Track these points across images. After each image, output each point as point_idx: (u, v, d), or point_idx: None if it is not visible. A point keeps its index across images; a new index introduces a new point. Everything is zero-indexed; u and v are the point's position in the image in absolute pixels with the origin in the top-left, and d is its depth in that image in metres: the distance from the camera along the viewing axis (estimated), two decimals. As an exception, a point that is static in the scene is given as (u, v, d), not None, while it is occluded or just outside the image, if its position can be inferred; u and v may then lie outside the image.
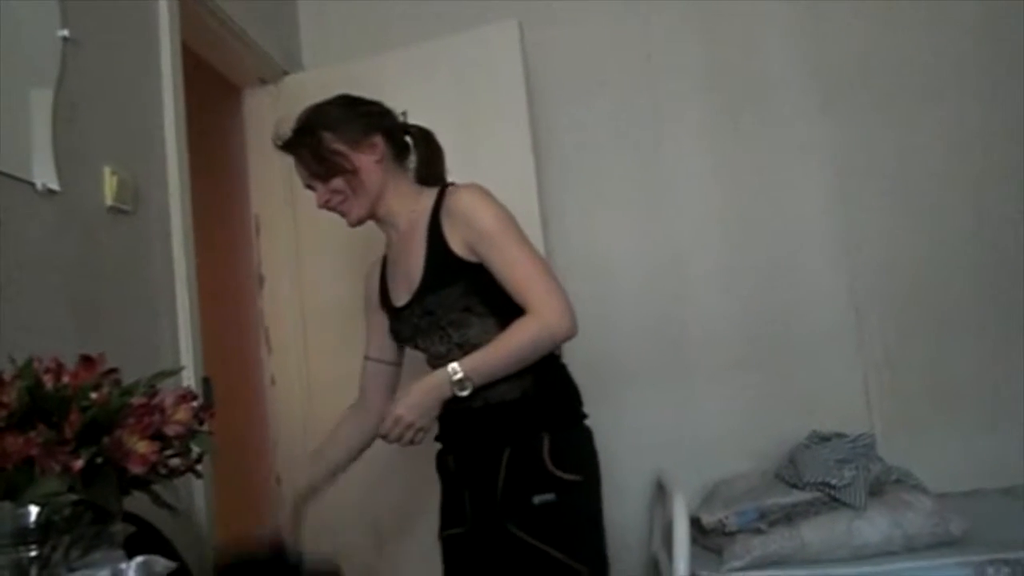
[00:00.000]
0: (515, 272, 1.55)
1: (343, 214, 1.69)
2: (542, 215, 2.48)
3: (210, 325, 2.17)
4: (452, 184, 1.71)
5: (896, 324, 2.64)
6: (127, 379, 1.08)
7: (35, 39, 1.63)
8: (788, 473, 2.27)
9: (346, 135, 1.65)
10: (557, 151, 2.74)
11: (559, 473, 1.54)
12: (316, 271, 2.73)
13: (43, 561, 0.98)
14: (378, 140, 1.67)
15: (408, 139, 1.75)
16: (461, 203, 1.60)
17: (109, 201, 1.79)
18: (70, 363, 1.03)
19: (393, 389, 1.80)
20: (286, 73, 2.81)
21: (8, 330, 1.43)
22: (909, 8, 2.69)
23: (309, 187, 1.69)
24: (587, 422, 1.66)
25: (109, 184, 1.79)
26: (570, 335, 1.54)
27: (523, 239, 1.59)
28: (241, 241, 2.86)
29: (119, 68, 1.92)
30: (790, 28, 2.76)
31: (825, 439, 2.31)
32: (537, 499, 1.52)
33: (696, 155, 2.77)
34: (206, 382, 2.09)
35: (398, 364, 1.84)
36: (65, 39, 1.68)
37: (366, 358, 1.84)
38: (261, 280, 2.82)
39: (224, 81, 2.77)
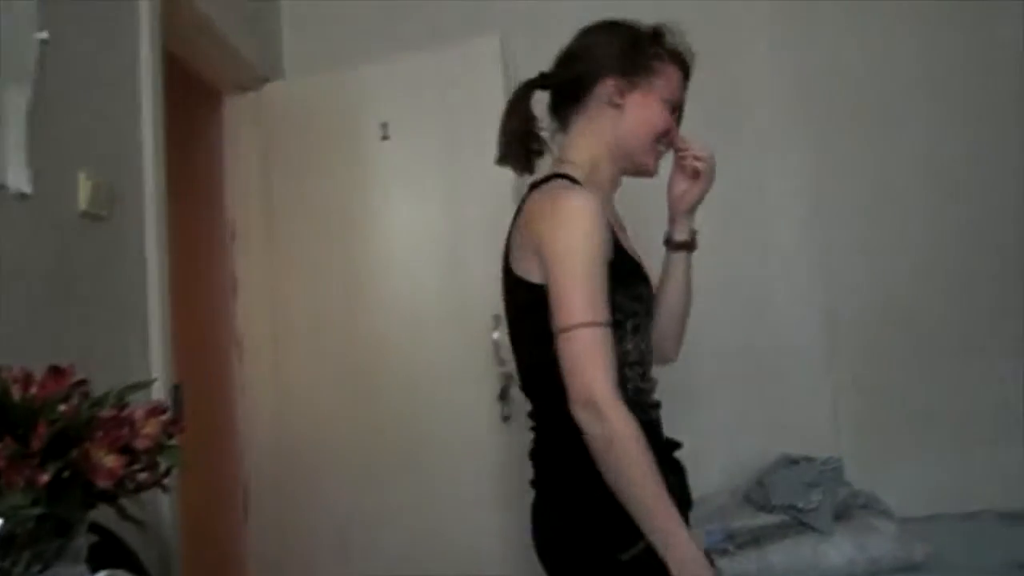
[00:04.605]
0: None
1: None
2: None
3: (182, 332, 2.15)
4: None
5: (865, 347, 2.66)
6: (97, 387, 1.07)
7: (11, 40, 1.61)
8: (757, 495, 2.29)
9: None
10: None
11: None
12: (290, 280, 2.71)
13: (3, 575, 0.96)
14: None
15: None
16: None
17: (83, 206, 1.77)
18: (40, 373, 1.02)
19: None
20: (267, 80, 2.79)
21: (-25, 335, 1.41)
22: (895, 28, 2.70)
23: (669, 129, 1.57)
24: None
25: (83, 189, 1.77)
26: None
27: None
28: (216, 247, 2.84)
29: (98, 71, 1.90)
30: (772, 39, 2.76)
31: (794, 462, 2.32)
32: None
33: (667, 168, 2.76)
34: (176, 390, 2.07)
35: None
36: (43, 41, 1.65)
37: (601, 326, 1.24)
38: (235, 287, 2.80)
39: (204, 87, 2.76)
